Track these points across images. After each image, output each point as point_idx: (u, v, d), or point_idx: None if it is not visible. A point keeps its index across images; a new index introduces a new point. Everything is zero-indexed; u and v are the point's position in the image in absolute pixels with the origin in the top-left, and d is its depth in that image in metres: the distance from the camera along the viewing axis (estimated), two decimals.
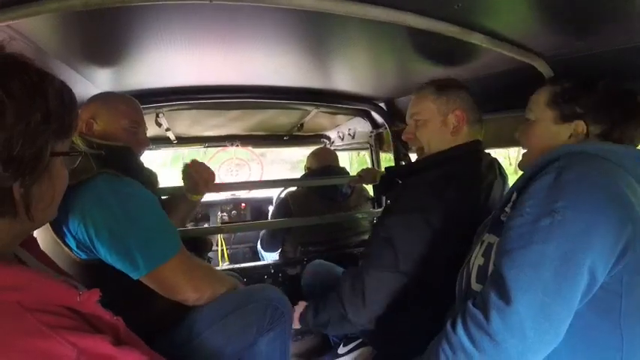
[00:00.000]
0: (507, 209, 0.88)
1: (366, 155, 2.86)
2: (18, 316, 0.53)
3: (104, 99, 1.28)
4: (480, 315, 0.71)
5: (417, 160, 1.36)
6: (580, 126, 0.90)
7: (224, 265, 2.72)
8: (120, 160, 1.12)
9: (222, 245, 2.97)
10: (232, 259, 3.14)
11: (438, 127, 1.26)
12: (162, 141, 2.58)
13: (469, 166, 1.21)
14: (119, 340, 0.65)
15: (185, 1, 0.78)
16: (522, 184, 0.84)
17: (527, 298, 0.67)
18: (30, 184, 0.58)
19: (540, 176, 0.77)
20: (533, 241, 0.70)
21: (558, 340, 0.68)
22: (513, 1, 0.83)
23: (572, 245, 0.68)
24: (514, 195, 0.87)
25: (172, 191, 1.70)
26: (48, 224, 0.98)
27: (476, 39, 0.98)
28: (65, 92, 0.64)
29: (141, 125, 1.32)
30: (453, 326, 0.75)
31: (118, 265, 1.00)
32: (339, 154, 2.63)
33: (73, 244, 1.00)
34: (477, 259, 0.90)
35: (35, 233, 1.06)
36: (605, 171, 0.73)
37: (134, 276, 1.00)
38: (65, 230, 0.99)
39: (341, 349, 1.66)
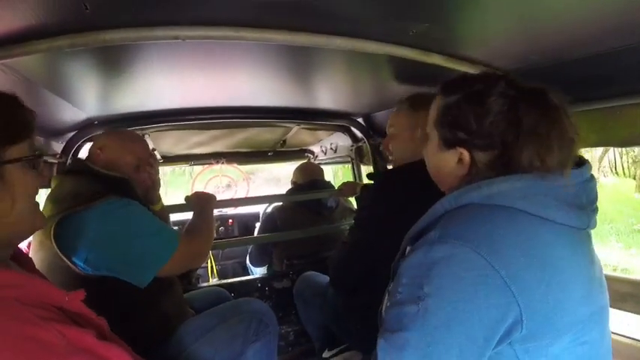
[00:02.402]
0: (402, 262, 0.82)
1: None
2: (16, 309, 0.59)
3: (116, 135, 1.39)
4: None
5: (389, 170, 1.46)
6: (463, 155, 0.76)
7: (213, 281, 2.74)
8: (120, 188, 1.21)
9: (211, 262, 2.99)
10: (221, 275, 3.16)
11: (407, 139, 1.34)
12: None
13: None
14: (105, 338, 0.71)
15: (161, 41, 0.85)
16: (413, 240, 0.79)
17: None
18: None
19: (418, 247, 0.70)
20: (400, 327, 0.66)
21: None
22: (464, 24, 0.89)
23: (432, 338, 0.63)
24: (408, 248, 0.82)
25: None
26: (53, 243, 1.03)
27: (435, 60, 1.06)
28: (3, 101, 0.67)
29: (147, 164, 1.39)
30: None
31: (128, 276, 1.08)
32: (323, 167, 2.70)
33: (80, 261, 1.06)
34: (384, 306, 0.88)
35: (32, 252, 1.11)
36: (483, 236, 0.65)
37: (145, 281, 1.09)
38: (73, 248, 1.05)
39: (326, 354, 1.70)
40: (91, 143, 1.35)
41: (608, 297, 0.76)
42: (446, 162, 0.80)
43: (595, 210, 0.75)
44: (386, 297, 0.86)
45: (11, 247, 0.73)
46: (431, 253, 0.66)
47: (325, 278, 1.79)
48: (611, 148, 9.61)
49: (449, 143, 0.78)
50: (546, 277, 0.64)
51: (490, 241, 0.65)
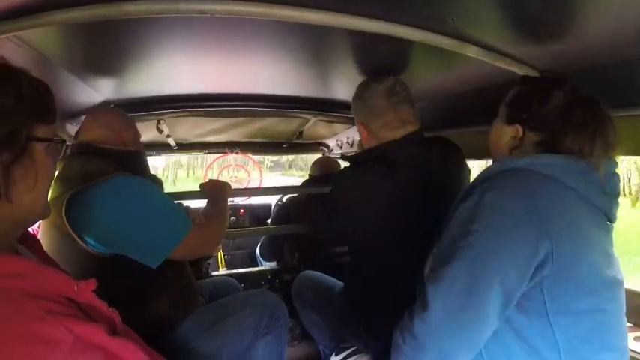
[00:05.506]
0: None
1: None
2: (20, 302, 0.55)
3: (115, 112, 1.38)
4: (408, 320, 0.82)
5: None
6: (519, 131, 0.92)
7: (222, 271, 2.73)
8: (132, 162, 1.21)
9: (220, 251, 2.98)
10: (230, 265, 3.15)
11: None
12: (162, 147, 2.60)
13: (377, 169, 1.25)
14: (115, 332, 0.68)
15: (187, 14, 0.80)
16: (463, 197, 0.89)
17: (442, 306, 0.77)
18: (8, 164, 0.60)
19: (469, 196, 0.84)
20: (451, 260, 0.79)
21: (475, 349, 0.79)
22: (507, 15, 0.85)
23: (480, 266, 0.76)
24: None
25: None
26: (64, 220, 1.01)
27: (471, 51, 1.01)
28: (40, 83, 0.68)
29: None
30: (398, 327, 0.86)
31: (140, 254, 1.05)
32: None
33: (91, 238, 1.04)
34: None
35: (42, 232, 1.08)
36: (526, 190, 0.80)
37: (157, 261, 1.06)
38: (84, 225, 1.03)
39: (333, 358, 1.65)
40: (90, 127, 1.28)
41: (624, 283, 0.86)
42: (505, 135, 0.96)
43: (617, 204, 0.87)
44: (429, 259, 0.96)
45: (20, 230, 0.70)
46: (484, 197, 0.80)
47: (327, 278, 1.71)
48: None
49: (511, 120, 0.94)
50: (574, 228, 0.79)
51: (531, 193, 0.79)
